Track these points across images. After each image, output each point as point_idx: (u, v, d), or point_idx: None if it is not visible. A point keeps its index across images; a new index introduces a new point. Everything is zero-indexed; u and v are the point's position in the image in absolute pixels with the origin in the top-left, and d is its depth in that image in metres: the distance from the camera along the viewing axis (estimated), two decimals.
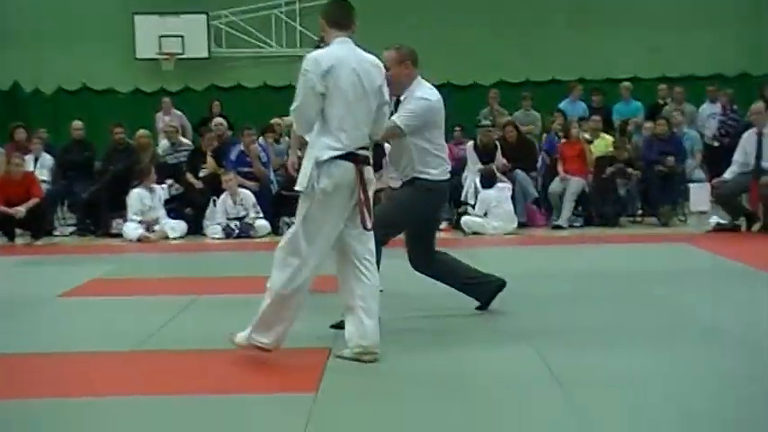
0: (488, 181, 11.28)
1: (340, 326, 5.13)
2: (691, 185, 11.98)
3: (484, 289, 6.11)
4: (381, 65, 5.01)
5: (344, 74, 4.73)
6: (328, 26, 4.95)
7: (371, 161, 4.91)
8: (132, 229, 11.16)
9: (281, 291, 4.76)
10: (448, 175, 5.90)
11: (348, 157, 4.73)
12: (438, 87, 5.89)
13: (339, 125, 4.73)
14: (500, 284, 6.12)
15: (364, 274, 4.85)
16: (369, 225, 4.81)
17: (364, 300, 4.82)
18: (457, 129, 13.15)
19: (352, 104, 4.75)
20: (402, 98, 5.70)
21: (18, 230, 11.22)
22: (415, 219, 5.85)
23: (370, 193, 4.86)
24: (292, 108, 4.82)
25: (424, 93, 5.70)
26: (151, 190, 11.43)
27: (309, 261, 4.76)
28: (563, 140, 12.34)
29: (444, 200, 6.46)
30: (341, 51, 4.82)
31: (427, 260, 6.04)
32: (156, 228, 11.20)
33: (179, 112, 14.80)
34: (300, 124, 4.89)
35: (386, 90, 4.99)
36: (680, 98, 14.28)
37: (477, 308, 6.12)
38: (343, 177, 4.73)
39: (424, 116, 5.66)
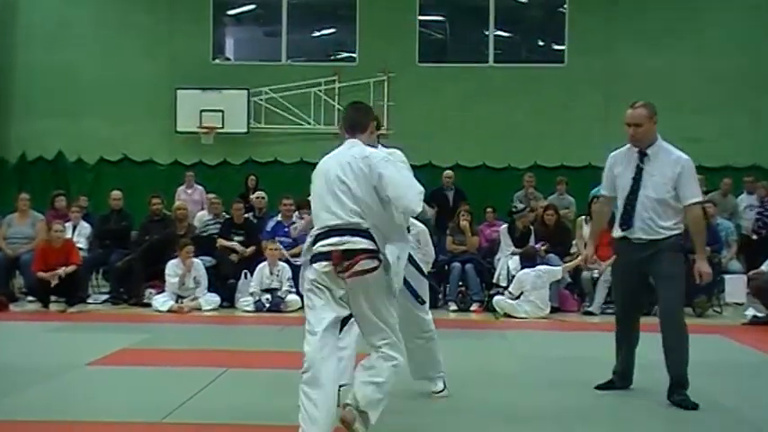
0: (529, 261, 11.28)
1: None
2: (726, 276, 11.82)
3: None
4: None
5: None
6: (344, 130, 4.67)
7: None
8: (161, 302, 11.21)
9: None
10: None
11: None
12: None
13: None
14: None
15: None
16: None
17: None
18: (489, 210, 13.18)
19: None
20: (649, 152, 5.75)
21: (53, 297, 11.31)
22: None
23: None
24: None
25: (679, 153, 5.79)
26: (186, 264, 11.43)
27: None
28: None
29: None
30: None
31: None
32: (186, 301, 11.20)
33: (200, 187, 15.05)
34: None
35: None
36: (726, 189, 14.16)
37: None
38: None
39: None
